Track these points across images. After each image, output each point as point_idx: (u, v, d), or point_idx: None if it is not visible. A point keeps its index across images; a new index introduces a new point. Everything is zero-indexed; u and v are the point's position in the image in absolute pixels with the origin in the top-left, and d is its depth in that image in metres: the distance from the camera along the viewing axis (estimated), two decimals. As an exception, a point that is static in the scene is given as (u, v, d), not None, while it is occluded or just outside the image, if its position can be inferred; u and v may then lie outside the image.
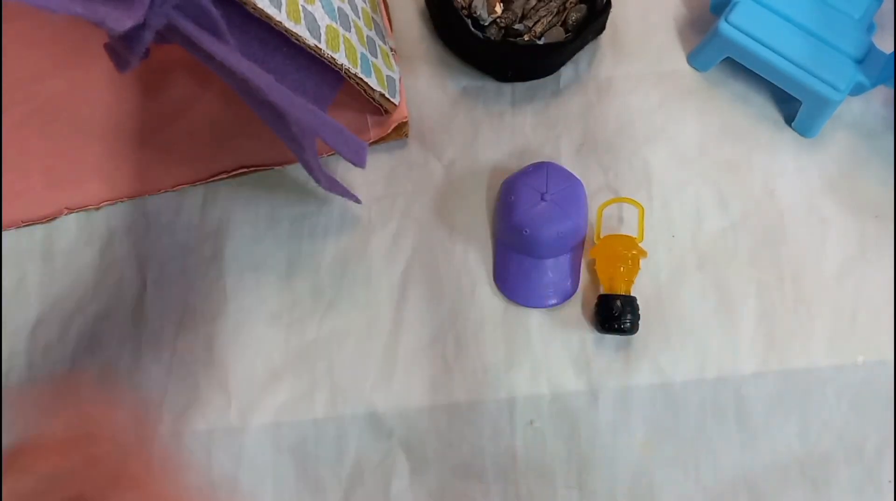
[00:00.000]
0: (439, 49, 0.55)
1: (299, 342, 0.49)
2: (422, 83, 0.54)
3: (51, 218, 0.51)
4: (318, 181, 0.46)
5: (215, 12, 0.34)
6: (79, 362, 0.49)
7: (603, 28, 0.53)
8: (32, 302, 0.50)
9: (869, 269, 0.51)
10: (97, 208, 0.51)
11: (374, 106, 0.49)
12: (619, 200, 0.51)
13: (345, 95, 0.49)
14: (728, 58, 0.53)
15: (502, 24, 0.52)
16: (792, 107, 0.53)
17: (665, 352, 0.49)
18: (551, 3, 0.53)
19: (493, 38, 0.52)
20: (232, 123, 0.51)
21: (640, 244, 0.50)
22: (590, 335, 0.49)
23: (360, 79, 0.45)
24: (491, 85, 0.54)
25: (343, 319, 0.49)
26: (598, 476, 0.47)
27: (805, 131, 0.53)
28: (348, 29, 0.44)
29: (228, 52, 0.34)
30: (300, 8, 0.39)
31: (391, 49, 0.52)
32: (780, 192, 0.52)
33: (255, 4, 0.35)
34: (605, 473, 0.47)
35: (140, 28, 0.31)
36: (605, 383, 0.48)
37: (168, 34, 0.33)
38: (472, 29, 0.51)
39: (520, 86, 0.54)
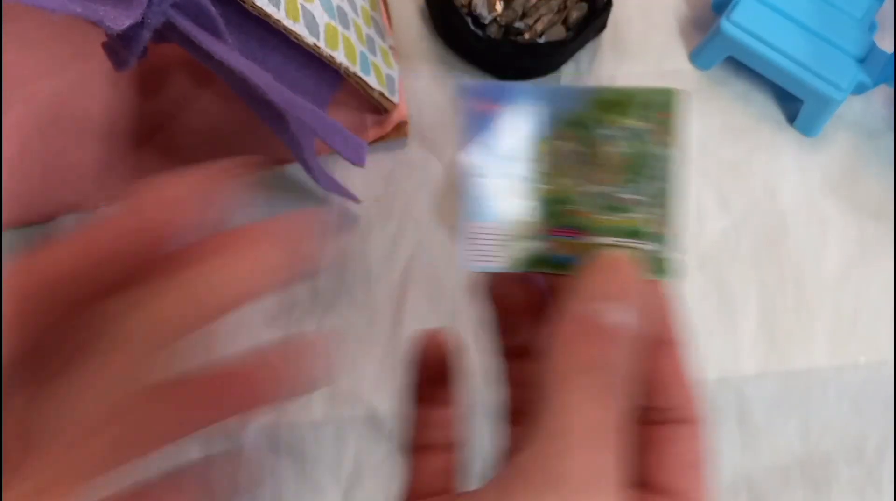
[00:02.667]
0: (439, 47, 0.55)
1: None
2: (422, 82, 0.54)
3: (49, 219, 0.51)
4: (316, 181, 0.45)
5: (214, 11, 0.33)
6: (77, 362, 0.48)
7: (604, 26, 0.53)
8: (30, 302, 0.49)
9: (870, 269, 0.51)
10: (95, 209, 0.51)
11: (374, 105, 0.49)
12: (620, 199, 0.51)
13: (344, 94, 0.49)
14: (730, 57, 0.53)
15: (503, 23, 0.52)
16: (794, 106, 0.53)
17: (666, 352, 0.49)
18: (552, 2, 0.53)
19: (493, 36, 0.52)
20: (230, 122, 0.51)
21: (640, 244, 0.49)
22: (590, 336, 0.49)
23: (360, 77, 0.44)
24: (491, 84, 0.54)
25: (342, 319, 0.49)
26: (599, 476, 0.47)
27: (807, 131, 0.53)
28: (347, 27, 0.44)
29: (227, 51, 0.34)
30: (299, 6, 0.38)
31: (390, 47, 0.52)
32: (781, 192, 0.52)
33: (253, 3, 0.35)
34: (605, 474, 0.47)
35: (138, 27, 0.31)
36: (606, 383, 0.48)
37: (166, 33, 0.33)
38: (472, 27, 0.51)
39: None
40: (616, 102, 0.24)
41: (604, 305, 0.20)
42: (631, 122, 0.24)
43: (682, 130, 0.23)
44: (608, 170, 0.24)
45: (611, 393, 0.19)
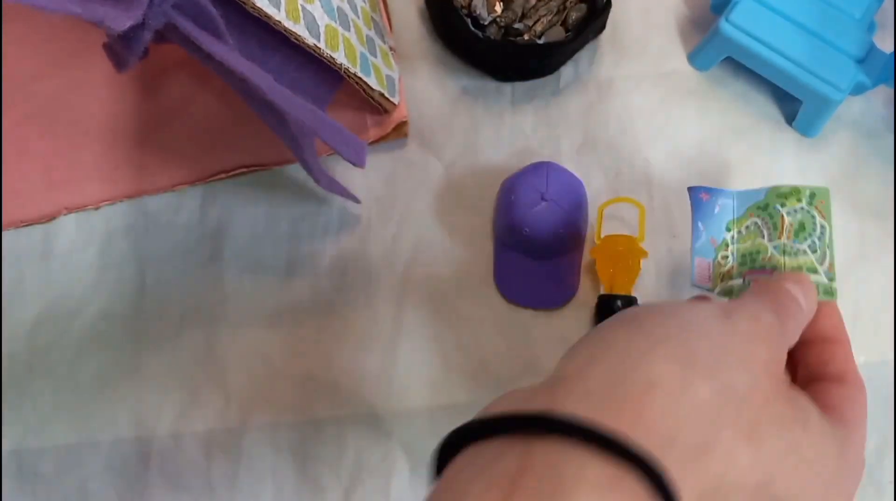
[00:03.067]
0: (439, 48, 0.55)
1: (299, 342, 0.49)
2: (421, 83, 0.54)
3: (50, 218, 0.51)
4: (317, 181, 0.45)
5: (214, 11, 0.33)
6: (78, 362, 0.48)
7: (603, 27, 0.53)
8: (31, 303, 0.50)
9: (870, 269, 0.51)
10: (96, 208, 0.51)
11: (374, 106, 0.49)
12: (620, 200, 0.51)
13: (344, 94, 0.49)
14: (729, 57, 0.53)
15: (502, 24, 0.52)
16: (793, 106, 0.53)
17: (665, 352, 0.49)
18: (551, 3, 0.53)
19: (492, 37, 0.52)
20: (231, 122, 0.51)
21: (640, 245, 0.49)
22: (590, 336, 0.49)
23: (360, 78, 0.45)
24: (491, 84, 0.54)
25: (343, 319, 0.49)
26: (599, 476, 0.47)
27: (806, 131, 0.53)
28: (347, 28, 0.44)
29: (227, 52, 0.34)
30: (299, 7, 0.38)
31: (390, 48, 0.52)
32: (780, 192, 0.52)
33: (253, 3, 0.35)
34: (605, 473, 0.47)
35: (139, 28, 0.31)
36: (606, 383, 0.48)
37: (167, 34, 0.33)
38: (472, 28, 0.51)
39: (520, 85, 0.54)
40: (791, 193, 0.40)
41: (787, 282, 0.31)
42: (801, 203, 0.40)
43: (831, 211, 0.39)
44: (785, 232, 0.40)
45: (775, 315, 0.28)
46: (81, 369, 0.48)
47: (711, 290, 0.42)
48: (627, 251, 0.48)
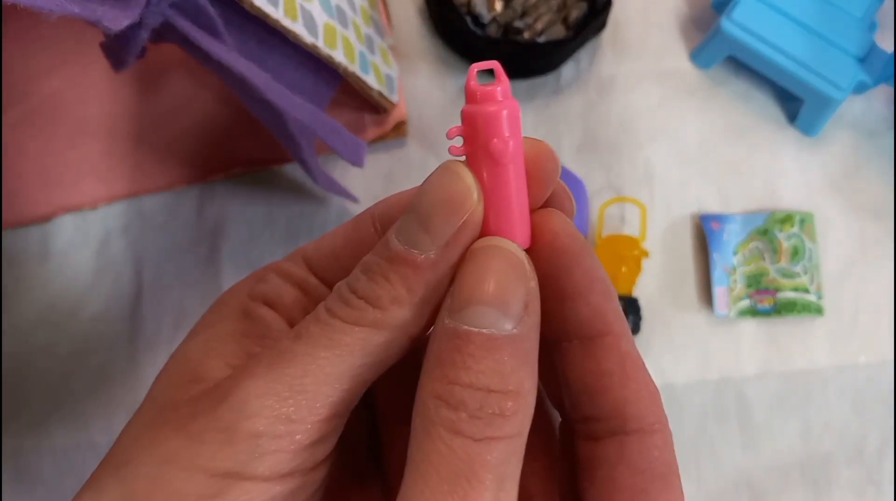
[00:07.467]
0: (438, 47, 0.55)
1: (298, 342, 0.49)
2: (421, 81, 0.54)
3: (47, 218, 0.50)
4: (315, 181, 0.45)
5: (212, 11, 0.33)
6: (77, 363, 0.48)
7: (604, 26, 0.53)
8: (30, 303, 0.49)
9: (870, 269, 0.51)
10: (94, 208, 0.51)
11: (373, 105, 0.48)
12: (621, 199, 0.51)
13: (343, 93, 0.49)
14: (730, 56, 0.52)
15: (502, 22, 0.52)
16: (794, 105, 0.53)
17: (667, 353, 0.49)
18: (551, 1, 0.52)
19: (492, 35, 0.52)
20: (229, 122, 0.51)
21: (642, 244, 0.49)
22: (590, 336, 0.49)
23: (358, 77, 0.44)
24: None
25: (342, 319, 0.49)
26: (599, 477, 0.47)
27: (807, 130, 0.53)
28: (346, 27, 0.44)
29: (225, 51, 0.34)
30: (297, 5, 0.38)
31: (390, 47, 0.52)
32: (781, 191, 0.52)
33: (252, 2, 0.34)
34: (605, 474, 0.47)
35: (136, 27, 0.31)
36: (606, 383, 0.48)
37: (165, 33, 0.33)
38: (472, 26, 0.51)
39: (520, 84, 0.54)
40: (785, 219, 0.47)
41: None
42: (794, 228, 0.47)
43: (818, 233, 0.46)
44: (783, 255, 0.46)
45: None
46: (80, 369, 0.48)
47: (728, 315, 0.47)
48: (628, 252, 0.48)
